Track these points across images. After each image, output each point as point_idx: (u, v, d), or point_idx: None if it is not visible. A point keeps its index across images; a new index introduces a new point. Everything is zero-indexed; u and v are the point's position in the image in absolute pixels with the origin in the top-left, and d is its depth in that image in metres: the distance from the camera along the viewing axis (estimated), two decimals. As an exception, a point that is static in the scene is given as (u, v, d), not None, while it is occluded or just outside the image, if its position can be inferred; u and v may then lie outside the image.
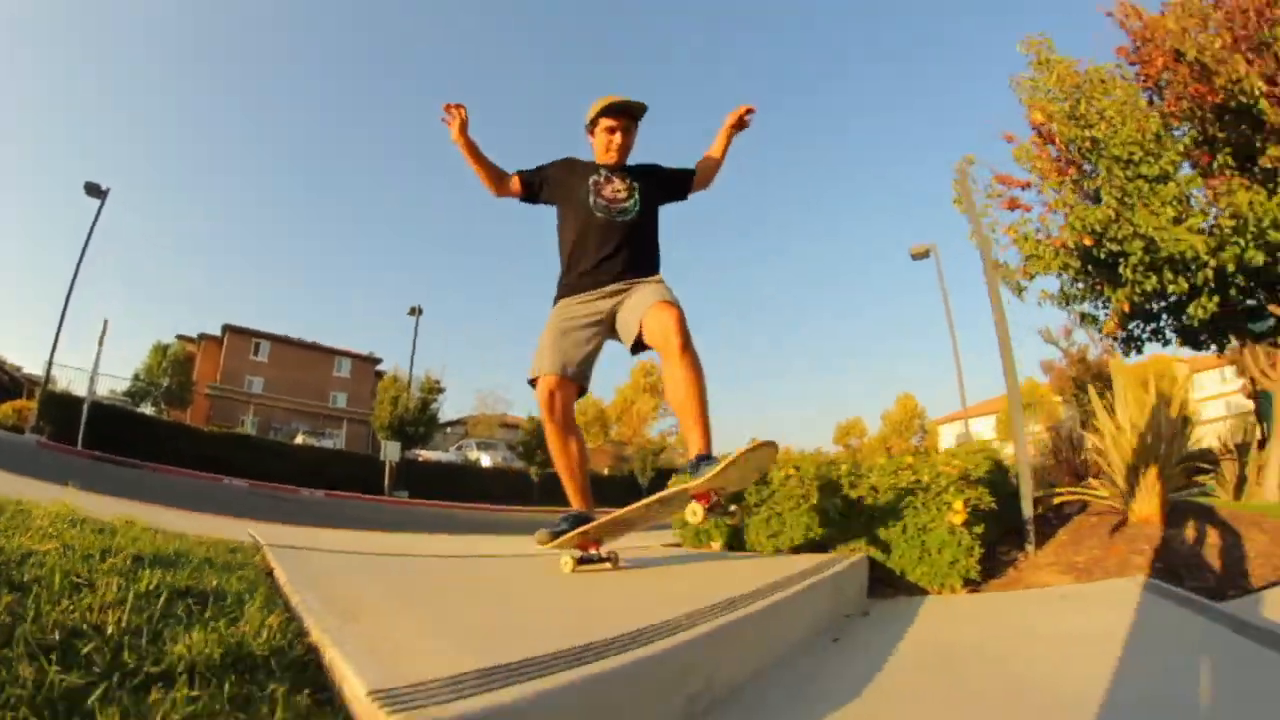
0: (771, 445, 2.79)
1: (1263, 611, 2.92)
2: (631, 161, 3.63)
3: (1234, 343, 9.75)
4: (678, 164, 3.79)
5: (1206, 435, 12.36)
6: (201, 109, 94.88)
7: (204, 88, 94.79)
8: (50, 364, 23.73)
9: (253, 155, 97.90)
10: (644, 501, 3.13)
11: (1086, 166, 8.09)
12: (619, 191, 3.45)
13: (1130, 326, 9.30)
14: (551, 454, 3.43)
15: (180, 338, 49.92)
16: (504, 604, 2.39)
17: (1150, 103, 8.29)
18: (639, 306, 3.25)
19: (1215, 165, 7.59)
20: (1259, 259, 7.05)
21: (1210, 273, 7.25)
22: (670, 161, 3.76)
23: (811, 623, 2.62)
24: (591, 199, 3.41)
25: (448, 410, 50.34)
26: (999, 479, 4.67)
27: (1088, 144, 7.78)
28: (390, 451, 29.05)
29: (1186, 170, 8.08)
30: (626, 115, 3.49)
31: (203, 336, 50.38)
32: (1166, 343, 9.83)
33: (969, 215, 4.87)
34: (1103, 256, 7.72)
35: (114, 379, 39.55)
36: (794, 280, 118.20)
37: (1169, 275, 7.53)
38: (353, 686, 1.21)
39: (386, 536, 4.71)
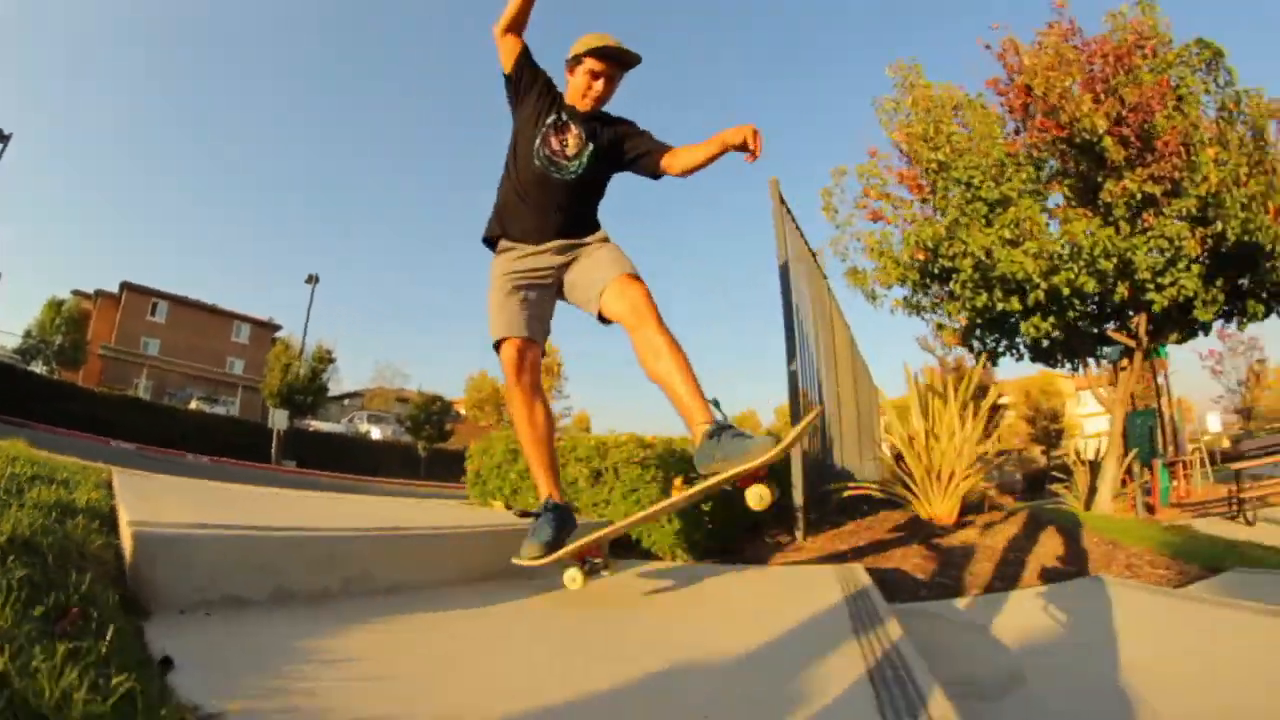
0: (820, 408, 2.60)
1: (967, 611, 3.16)
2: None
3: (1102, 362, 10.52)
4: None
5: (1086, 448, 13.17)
6: (106, 58, 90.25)
7: (101, 31, 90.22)
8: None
9: (161, 106, 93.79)
10: (688, 492, 2.57)
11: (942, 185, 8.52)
12: (567, 145, 3.05)
13: (988, 340, 9.82)
14: (516, 425, 3.04)
15: (76, 293, 47.82)
16: (259, 512, 3.08)
17: (1016, 133, 8.73)
18: (596, 278, 2.98)
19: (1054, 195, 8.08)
20: (1090, 285, 7.54)
21: (1042, 294, 7.71)
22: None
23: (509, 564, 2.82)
24: (536, 143, 3.04)
25: (347, 383, 49.92)
26: (780, 468, 4.92)
27: (934, 165, 8.18)
28: (278, 419, 28.65)
29: (1058, 201, 8.63)
30: (616, 63, 3.05)
31: (99, 294, 48.09)
32: (1020, 358, 10.47)
33: (775, 229, 5.03)
34: (937, 271, 8.15)
35: (4, 334, 39.01)
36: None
37: (999, 294, 7.99)
38: (123, 520, 2.02)
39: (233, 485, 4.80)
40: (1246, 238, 7.78)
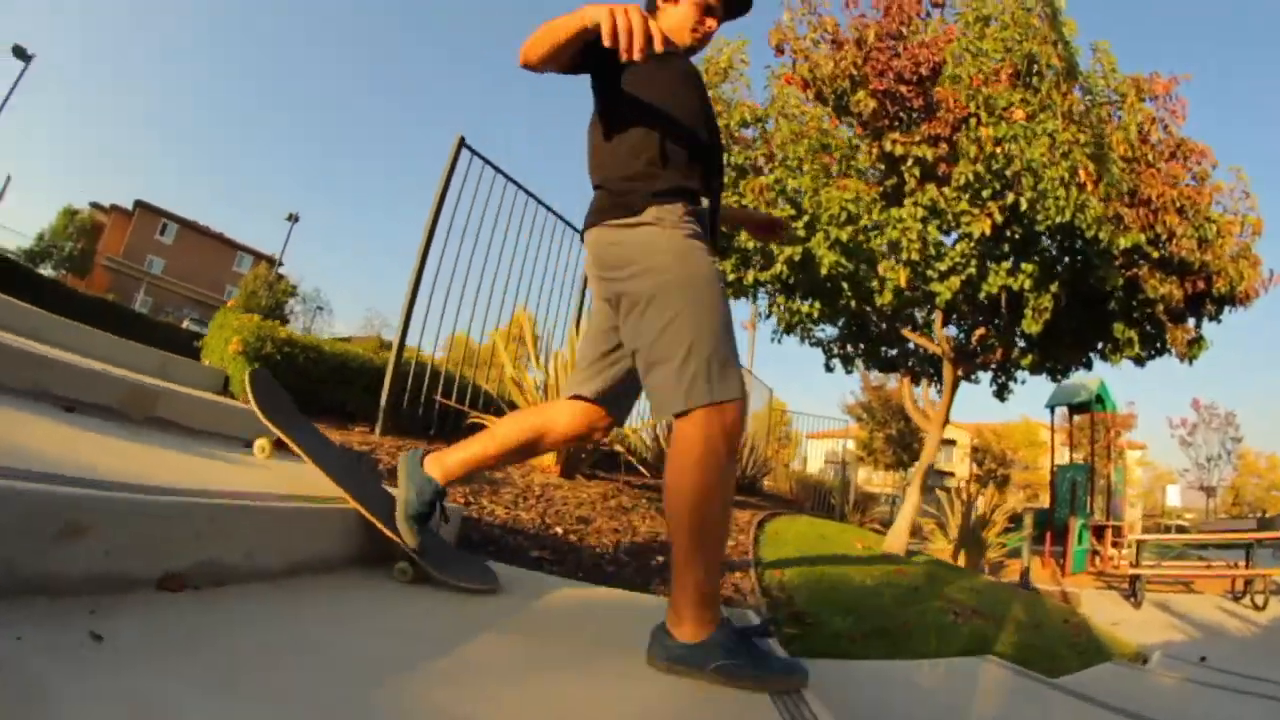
0: None
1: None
2: None
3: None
4: None
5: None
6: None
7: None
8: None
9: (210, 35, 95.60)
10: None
11: None
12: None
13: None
14: (714, 500, 1.79)
15: (93, 206, 49.17)
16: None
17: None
18: None
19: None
20: (830, 258, 6.79)
21: (782, 267, 7.33)
22: None
23: None
24: (697, 99, 2.24)
25: (340, 327, 50.97)
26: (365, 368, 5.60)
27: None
28: None
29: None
30: (734, 10, 2.41)
31: (114, 208, 49.57)
32: (850, 365, 9.71)
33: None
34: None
35: (13, 233, 41.56)
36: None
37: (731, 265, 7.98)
38: None
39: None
40: (1058, 217, 6.57)
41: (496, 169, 5.84)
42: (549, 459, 5.32)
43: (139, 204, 48.41)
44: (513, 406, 5.59)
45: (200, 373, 5.01)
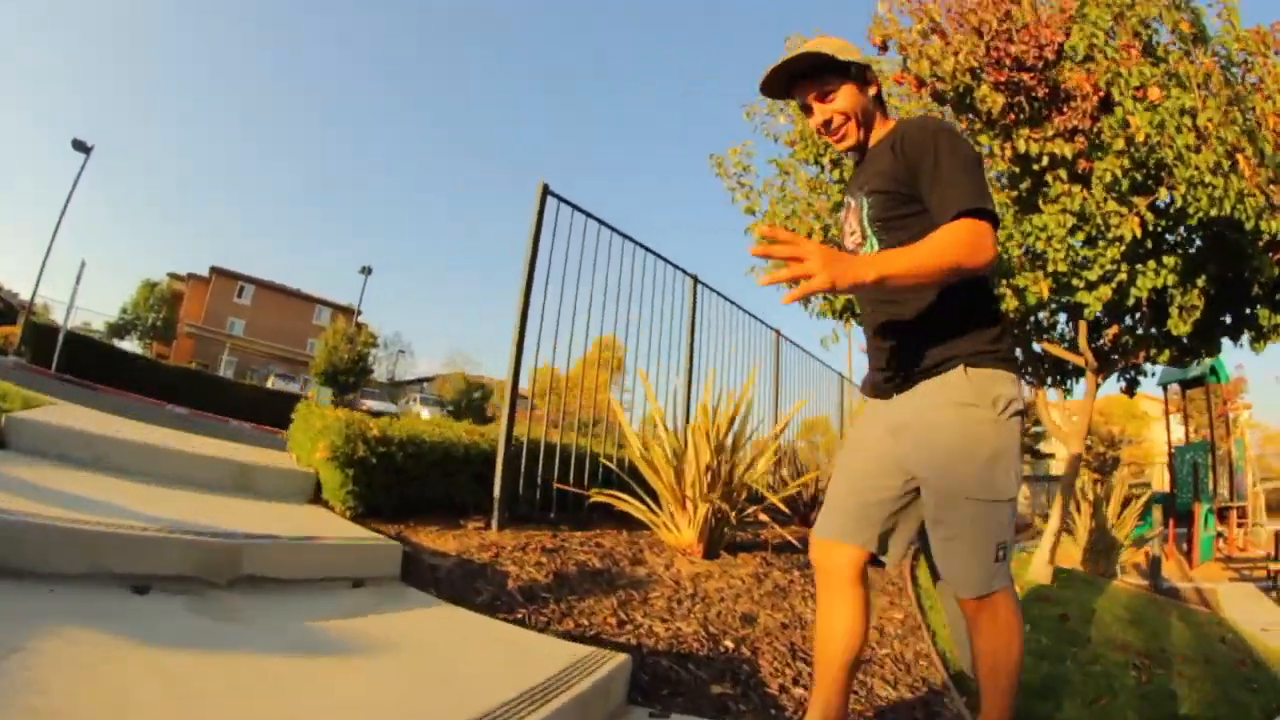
0: None
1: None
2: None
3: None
4: None
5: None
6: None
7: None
8: (34, 296, 26.87)
9: (275, 101, 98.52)
10: None
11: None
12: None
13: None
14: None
15: (171, 276, 50.77)
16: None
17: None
18: None
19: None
20: None
21: None
22: None
23: None
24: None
25: (423, 367, 52.59)
26: (471, 454, 4.62)
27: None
28: (321, 395, 30.00)
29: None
30: (787, 87, 2.13)
31: (191, 276, 50.99)
32: None
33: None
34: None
35: (97, 314, 43.54)
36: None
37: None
38: None
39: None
40: (1214, 210, 5.55)
41: (587, 214, 5.06)
42: (689, 536, 4.52)
43: (214, 269, 49.41)
44: (635, 477, 4.87)
45: (287, 480, 4.39)
